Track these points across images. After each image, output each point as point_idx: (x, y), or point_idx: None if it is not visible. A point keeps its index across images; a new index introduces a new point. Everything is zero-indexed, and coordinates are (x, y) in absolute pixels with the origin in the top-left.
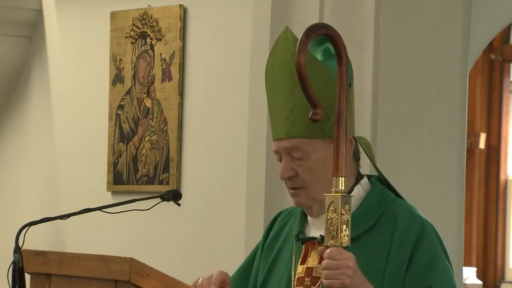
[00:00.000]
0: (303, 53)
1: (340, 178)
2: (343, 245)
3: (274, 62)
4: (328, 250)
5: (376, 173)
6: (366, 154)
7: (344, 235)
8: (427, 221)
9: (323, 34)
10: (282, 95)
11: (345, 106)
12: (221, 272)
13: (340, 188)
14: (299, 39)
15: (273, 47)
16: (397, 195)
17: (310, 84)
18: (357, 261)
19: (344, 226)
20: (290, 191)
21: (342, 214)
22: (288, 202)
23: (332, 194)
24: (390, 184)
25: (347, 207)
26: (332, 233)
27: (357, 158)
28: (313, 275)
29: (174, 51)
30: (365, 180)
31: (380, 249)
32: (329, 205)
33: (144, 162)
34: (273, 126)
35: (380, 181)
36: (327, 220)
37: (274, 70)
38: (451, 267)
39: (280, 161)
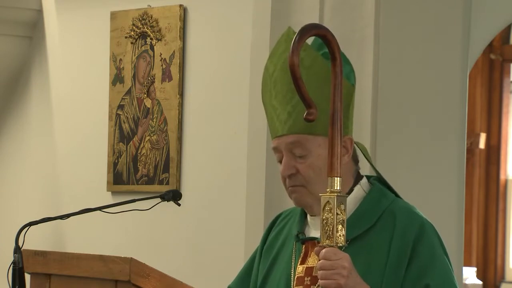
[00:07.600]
0: (296, 54)
1: (336, 178)
2: (338, 245)
3: (276, 62)
4: (323, 250)
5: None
6: (364, 155)
7: (340, 235)
8: (426, 220)
9: (316, 35)
10: (284, 93)
11: (339, 106)
12: None
13: (335, 188)
14: (293, 40)
15: (275, 47)
16: (397, 195)
17: (304, 84)
18: (357, 260)
19: (340, 226)
20: (290, 188)
21: (337, 214)
22: (288, 202)
23: (328, 194)
24: (389, 184)
25: (342, 207)
26: (327, 233)
27: (355, 160)
28: (313, 274)
29: (174, 51)
30: (364, 180)
31: (380, 248)
32: (325, 205)
33: (144, 162)
34: (273, 125)
35: (379, 182)
36: (323, 220)
37: (276, 69)
38: (450, 265)
39: (280, 161)
